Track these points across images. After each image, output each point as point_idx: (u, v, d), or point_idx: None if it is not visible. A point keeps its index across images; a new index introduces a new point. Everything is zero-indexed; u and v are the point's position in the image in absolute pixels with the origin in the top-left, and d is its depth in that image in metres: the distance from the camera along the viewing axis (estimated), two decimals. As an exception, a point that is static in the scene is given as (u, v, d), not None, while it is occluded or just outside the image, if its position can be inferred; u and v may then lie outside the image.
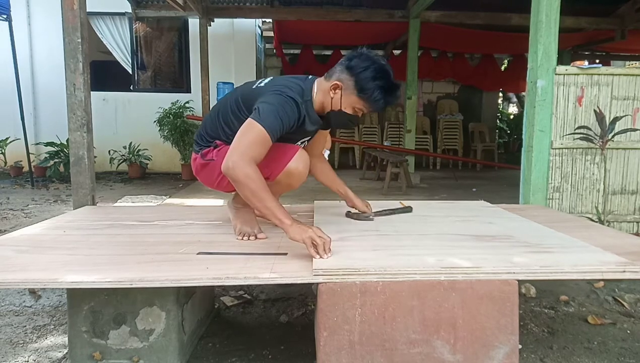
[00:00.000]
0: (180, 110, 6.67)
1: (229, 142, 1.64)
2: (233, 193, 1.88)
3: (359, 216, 2.03)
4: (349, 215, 2.06)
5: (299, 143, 1.81)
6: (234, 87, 7.05)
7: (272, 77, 1.81)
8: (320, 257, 1.43)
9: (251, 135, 1.55)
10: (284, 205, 1.56)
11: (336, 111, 1.69)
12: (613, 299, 2.25)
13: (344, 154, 8.29)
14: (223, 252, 1.60)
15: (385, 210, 2.12)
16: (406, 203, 2.41)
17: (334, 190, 2.06)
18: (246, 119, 1.61)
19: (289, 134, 1.66)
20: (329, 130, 2.02)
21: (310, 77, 1.78)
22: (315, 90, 1.71)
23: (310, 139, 1.87)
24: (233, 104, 1.77)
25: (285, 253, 1.57)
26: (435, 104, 9.03)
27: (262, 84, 1.75)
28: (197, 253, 1.58)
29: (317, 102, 1.71)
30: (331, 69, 1.72)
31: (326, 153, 2.23)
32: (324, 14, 6.57)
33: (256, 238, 1.77)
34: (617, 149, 3.05)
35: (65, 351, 1.69)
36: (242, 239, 1.77)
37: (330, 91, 1.67)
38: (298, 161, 1.68)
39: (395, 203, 2.42)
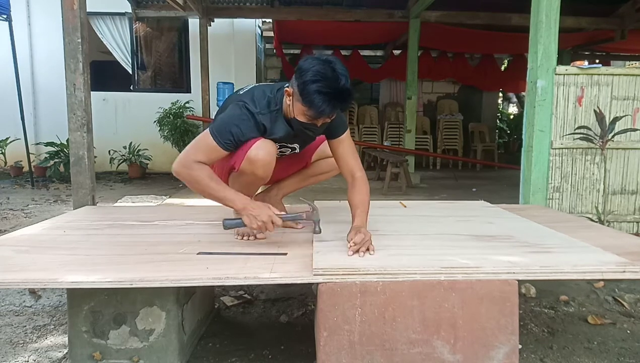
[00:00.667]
0: (180, 110, 6.67)
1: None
2: None
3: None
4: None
5: (285, 151, 1.84)
6: (234, 87, 7.08)
7: (255, 85, 1.80)
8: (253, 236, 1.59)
9: (198, 143, 1.65)
10: (285, 205, 1.57)
11: (294, 119, 1.62)
12: (613, 299, 2.25)
13: (344, 154, 8.28)
14: (223, 252, 1.60)
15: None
16: (406, 203, 2.41)
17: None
18: None
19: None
20: (349, 148, 1.79)
21: (286, 84, 1.69)
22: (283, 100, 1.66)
23: (295, 148, 1.84)
24: (223, 108, 1.82)
25: (285, 253, 1.57)
26: (435, 104, 9.04)
27: (242, 92, 1.77)
28: (197, 253, 1.58)
29: (284, 109, 1.66)
30: None
31: None
32: (324, 14, 6.57)
33: (255, 238, 1.77)
34: (617, 149, 3.05)
35: (65, 351, 1.69)
36: (242, 239, 1.78)
37: (286, 98, 1.62)
38: (258, 148, 1.65)
39: (395, 203, 2.42)
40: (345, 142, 1.78)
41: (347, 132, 1.78)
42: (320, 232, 1.65)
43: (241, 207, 1.58)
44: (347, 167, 1.77)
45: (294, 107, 1.59)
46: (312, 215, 1.66)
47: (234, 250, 1.64)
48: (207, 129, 1.66)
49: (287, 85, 1.67)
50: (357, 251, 1.48)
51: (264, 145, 1.67)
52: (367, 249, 1.50)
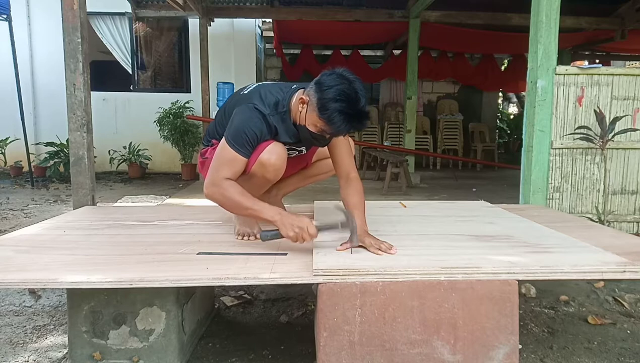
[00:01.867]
0: (180, 110, 6.67)
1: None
2: None
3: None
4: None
5: (292, 153, 1.83)
6: (234, 87, 7.08)
7: (259, 83, 1.80)
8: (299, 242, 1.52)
9: (220, 159, 1.63)
10: (285, 205, 1.57)
11: (302, 126, 1.62)
12: (613, 299, 2.25)
13: (344, 154, 8.28)
14: (223, 252, 1.60)
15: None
16: (406, 203, 2.41)
17: None
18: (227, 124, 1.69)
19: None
20: (347, 151, 1.82)
21: (295, 86, 1.71)
22: (293, 101, 1.65)
23: (303, 150, 1.86)
24: (227, 107, 1.81)
25: (286, 253, 1.57)
26: (436, 104, 9.03)
27: (246, 91, 1.76)
28: (197, 253, 1.58)
29: (293, 113, 1.65)
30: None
31: None
32: (324, 14, 6.56)
33: (256, 238, 1.77)
34: (617, 149, 3.05)
35: (65, 351, 1.69)
36: (242, 239, 1.77)
37: (299, 104, 1.61)
38: (271, 152, 1.65)
39: (395, 203, 2.42)
40: (342, 143, 1.79)
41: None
42: (356, 244, 1.53)
43: (277, 218, 1.55)
44: (343, 166, 1.79)
45: (308, 117, 1.58)
46: (348, 224, 1.55)
47: (234, 250, 1.64)
48: (223, 141, 1.63)
49: (295, 87, 1.69)
50: (381, 249, 1.51)
51: (276, 149, 1.67)
52: (389, 248, 1.53)
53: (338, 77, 1.52)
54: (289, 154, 1.78)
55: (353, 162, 1.82)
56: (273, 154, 1.65)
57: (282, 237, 1.55)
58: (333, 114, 1.50)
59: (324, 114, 1.51)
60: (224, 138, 1.64)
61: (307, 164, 2.03)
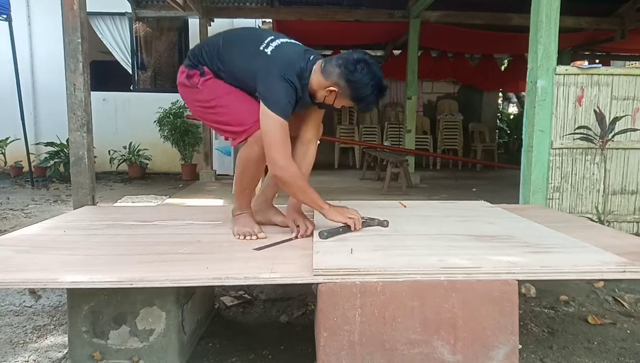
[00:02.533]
0: (180, 110, 6.67)
1: (217, 74, 1.79)
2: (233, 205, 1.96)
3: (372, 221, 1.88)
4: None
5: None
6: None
7: (277, 43, 1.75)
8: (356, 229, 1.74)
9: (277, 132, 1.65)
10: (286, 205, 1.69)
11: (326, 104, 1.75)
12: (613, 299, 2.25)
13: (344, 154, 8.28)
14: (278, 242, 1.69)
15: (362, 221, 1.83)
16: (406, 203, 2.41)
17: None
18: (243, 73, 1.75)
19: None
20: (321, 117, 1.94)
21: (312, 57, 1.74)
22: (312, 75, 1.70)
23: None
24: (238, 46, 1.79)
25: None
26: (435, 104, 9.03)
27: (268, 51, 1.72)
28: (254, 249, 1.62)
29: (311, 86, 1.72)
30: (328, 62, 1.68)
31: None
32: (324, 14, 6.56)
33: (257, 237, 1.77)
34: (617, 149, 3.05)
35: (65, 351, 1.69)
36: (243, 239, 1.78)
37: (326, 91, 1.69)
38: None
39: (395, 203, 2.42)
40: (318, 111, 1.89)
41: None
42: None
43: (326, 206, 1.74)
44: (308, 133, 1.89)
45: (337, 101, 1.72)
46: (384, 223, 1.85)
47: (234, 249, 1.64)
48: (275, 116, 1.63)
49: (313, 58, 1.73)
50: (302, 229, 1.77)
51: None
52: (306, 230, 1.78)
53: (369, 73, 1.63)
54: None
55: (320, 130, 1.96)
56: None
57: (340, 234, 1.71)
58: (370, 103, 1.70)
59: (361, 102, 1.69)
60: (272, 113, 1.63)
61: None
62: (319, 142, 1.99)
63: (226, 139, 1.90)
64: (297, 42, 1.82)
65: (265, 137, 1.66)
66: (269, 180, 2.02)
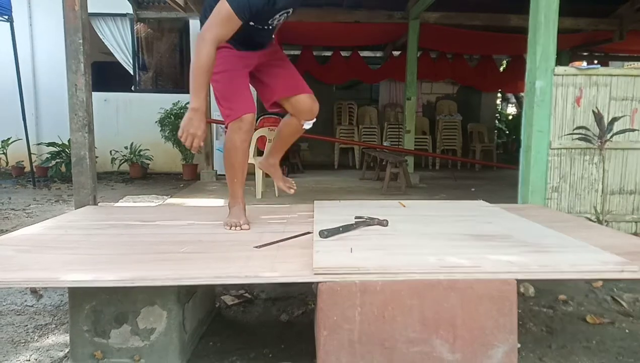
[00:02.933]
0: (182, 111, 6.67)
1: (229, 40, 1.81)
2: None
3: (372, 221, 1.90)
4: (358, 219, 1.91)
5: (271, 20, 1.88)
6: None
7: None
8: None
9: (220, 15, 1.68)
10: (286, 205, 1.61)
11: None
12: (611, 299, 2.26)
13: (344, 154, 8.29)
14: (278, 240, 1.71)
15: (362, 220, 1.89)
16: (406, 203, 2.42)
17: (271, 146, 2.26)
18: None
19: (257, 14, 1.75)
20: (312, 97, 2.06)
21: None
22: None
23: (287, 12, 1.88)
24: None
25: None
26: (435, 104, 9.04)
27: None
28: (254, 247, 1.64)
29: None
30: None
31: (307, 124, 2.16)
32: (323, 15, 6.57)
33: (241, 228, 1.90)
34: (616, 149, 3.06)
35: (67, 350, 1.70)
36: (230, 229, 1.91)
37: None
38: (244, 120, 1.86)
39: (394, 203, 2.43)
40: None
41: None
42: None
43: (192, 111, 1.71)
44: (303, 111, 2.07)
45: None
46: (383, 223, 1.87)
47: (235, 249, 1.65)
48: (222, 1, 1.68)
49: None
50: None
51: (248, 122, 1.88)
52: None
53: None
54: (279, 20, 1.90)
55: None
56: (245, 123, 1.86)
57: (340, 233, 1.71)
58: None
59: None
60: (224, 1, 1.67)
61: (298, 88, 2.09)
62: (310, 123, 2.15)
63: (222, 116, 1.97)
64: None
65: (211, 16, 1.70)
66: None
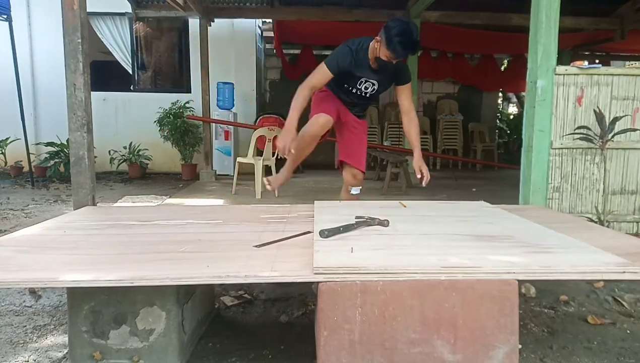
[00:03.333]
0: (181, 110, 6.67)
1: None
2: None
3: (372, 221, 1.90)
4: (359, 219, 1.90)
5: (357, 85, 2.52)
6: (234, 87, 7.06)
7: (359, 39, 2.49)
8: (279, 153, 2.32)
9: (317, 72, 2.43)
10: (286, 205, 1.62)
11: (377, 57, 2.36)
12: (613, 299, 2.25)
13: (344, 154, 8.29)
14: (278, 240, 1.70)
15: (363, 220, 1.89)
16: (406, 203, 2.41)
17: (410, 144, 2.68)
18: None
19: (346, 74, 2.45)
20: (408, 92, 2.58)
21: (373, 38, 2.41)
22: (371, 43, 2.40)
23: (372, 83, 2.52)
24: None
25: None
26: (435, 104, 9.03)
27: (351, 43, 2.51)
28: (254, 246, 1.63)
29: (370, 51, 2.41)
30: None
31: (356, 190, 2.74)
32: (324, 14, 6.57)
33: (290, 151, 2.29)
34: (617, 149, 3.05)
35: (66, 351, 1.69)
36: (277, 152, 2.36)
37: (375, 44, 2.36)
38: (319, 116, 2.48)
39: (395, 203, 2.42)
40: (407, 89, 2.58)
41: (409, 84, 2.58)
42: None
43: (286, 128, 2.33)
44: (406, 106, 2.58)
45: (380, 50, 2.33)
46: (384, 223, 1.88)
47: (235, 249, 1.64)
48: (322, 63, 2.42)
49: (374, 38, 2.39)
50: (425, 176, 2.42)
51: (318, 119, 2.48)
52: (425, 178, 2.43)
53: (397, 20, 2.31)
54: (365, 88, 2.55)
55: (412, 104, 2.62)
56: (321, 117, 2.47)
57: (341, 233, 1.73)
58: (395, 49, 2.25)
59: (390, 45, 2.25)
60: (324, 62, 2.42)
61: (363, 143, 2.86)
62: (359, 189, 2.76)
63: None
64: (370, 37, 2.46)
65: (313, 71, 2.44)
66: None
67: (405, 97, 2.58)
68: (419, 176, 2.45)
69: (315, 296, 1.45)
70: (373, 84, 2.55)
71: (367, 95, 2.59)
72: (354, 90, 2.56)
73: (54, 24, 6.32)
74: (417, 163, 2.52)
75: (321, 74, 2.41)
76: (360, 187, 2.77)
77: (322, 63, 2.41)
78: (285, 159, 2.59)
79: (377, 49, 2.33)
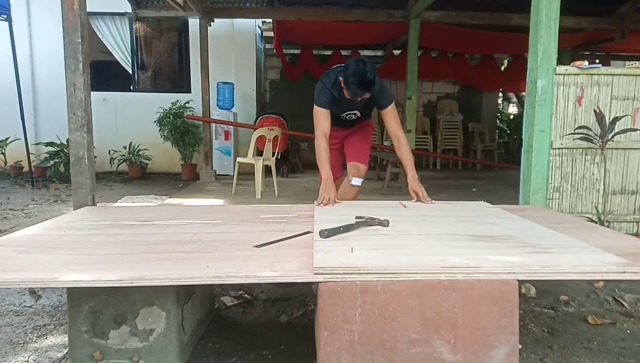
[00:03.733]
0: (181, 110, 6.67)
1: None
2: None
3: (372, 221, 1.89)
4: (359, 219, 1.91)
5: (342, 114, 2.64)
6: (234, 87, 7.06)
7: (330, 69, 2.59)
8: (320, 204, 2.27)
9: (316, 116, 2.52)
10: (286, 205, 1.64)
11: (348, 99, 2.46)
12: (613, 299, 2.25)
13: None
14: (278, 240, 1.70)
15: (363, 220, 1.89)
16: (406, 203, 2.41)
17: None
18: None
19: (334, 107, 2.54)
20: (394, 115, 2.58)
21: (341, 70, 2.44)
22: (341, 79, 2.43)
23: (357, 113, 2.66)
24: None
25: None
26: (435, 104, 9.03)
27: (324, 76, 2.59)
28: (254, 246, 1.62)
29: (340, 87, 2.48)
30: None
31: (357, 181, 2.73)
32: (324, 14, 6.56)
33: (332, 203, 2.29)
34: (617, 149, 3.05)
35: (66, 351, 1.69)
36: (321, 205, 2.26)
37: (341, 82, 2.41)
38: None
39: (395, 203, 2.42)
40: (390, 112, 2.57)
41: (392, 105, 2.56)
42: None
43: (323, 178, 2.40)
44: (391, 129, 2.59)
45: (344, 89, 2.39)
46: (384, 223, 1.87)
47: (235, 248, 1.64)
48: (315, 107, 2.52)
49: (341, 70, 2.43)
50: (422, 198, 2.43)
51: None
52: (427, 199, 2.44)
53: (352, 60, 2.37)
54: (349, 117, 2.67)
55: (400, 126, 2.61)
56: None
57: (341, 233, 1.72)
58: (351, 85, 2.31)
59: (346, 85, 2.33)
60: (314, 103, 2.52)
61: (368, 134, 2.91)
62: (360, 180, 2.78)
63: None
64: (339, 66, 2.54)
65: (314, 119, 2.52)
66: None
67: (390, 119, 2.57)
68: (414, 200, 2.44)
69: (315, 296, 1.45)
70: (355, 114, 2.67)
71: (356, 118, 2.70)
72: (343, 117, 2.68)
73: (54, 24, 6.30)
74: (412, 186, 2.50)
75: (321, 116, 2.49)
76: (362, 179, 2.77)
77: (314, 108, 2.52)
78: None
79: (343, 89, 2.40)
